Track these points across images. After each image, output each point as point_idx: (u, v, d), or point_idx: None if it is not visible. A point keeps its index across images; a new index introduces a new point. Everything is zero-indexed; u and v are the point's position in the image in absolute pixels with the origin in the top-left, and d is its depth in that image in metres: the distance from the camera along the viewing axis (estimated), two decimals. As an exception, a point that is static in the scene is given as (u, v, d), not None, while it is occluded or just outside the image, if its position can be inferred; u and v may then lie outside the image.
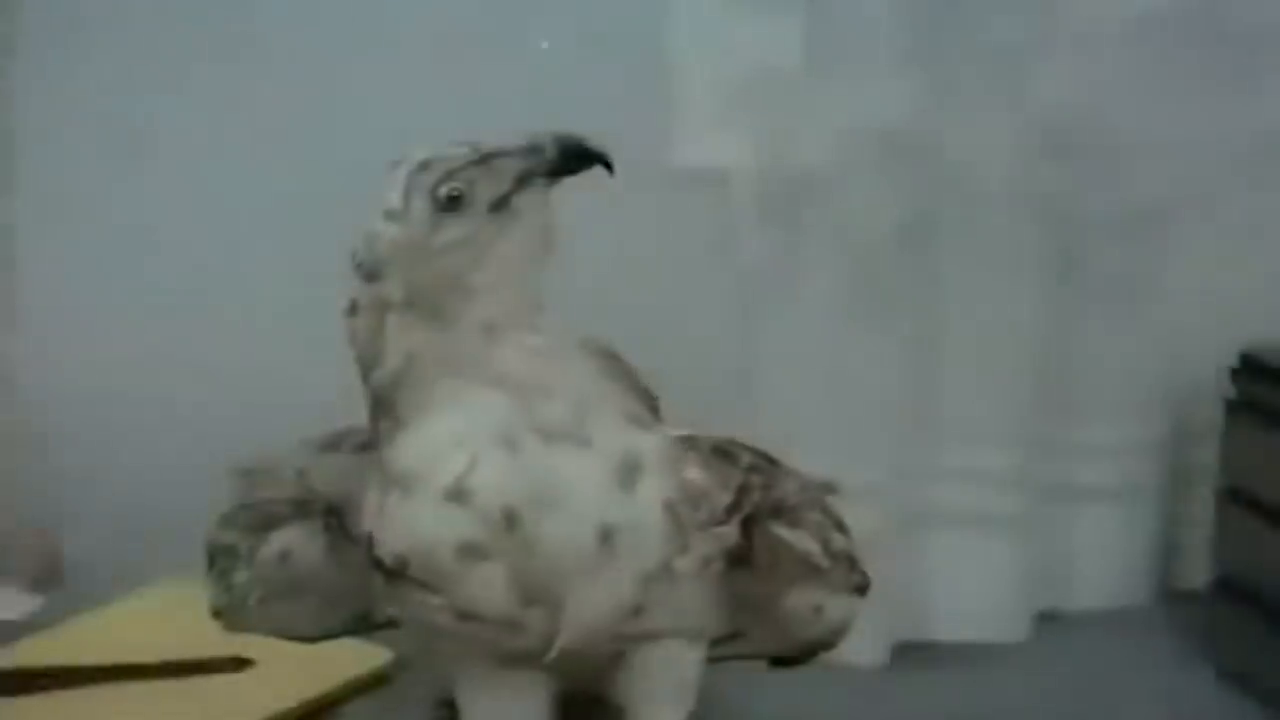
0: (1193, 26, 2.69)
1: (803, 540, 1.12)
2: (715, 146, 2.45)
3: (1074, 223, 2.69)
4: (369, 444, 1.07)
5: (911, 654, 2.29)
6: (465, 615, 1.05)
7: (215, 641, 1.25)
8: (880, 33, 2.51)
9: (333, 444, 1.13)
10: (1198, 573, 2.75)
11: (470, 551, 1.02)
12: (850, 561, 1.14)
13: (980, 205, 2.59)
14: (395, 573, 1.05)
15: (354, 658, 1.54)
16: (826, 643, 1.20)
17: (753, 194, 2.50)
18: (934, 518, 2.39)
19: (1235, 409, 2.71)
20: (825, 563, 1.13)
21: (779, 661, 1.25)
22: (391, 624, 1.18)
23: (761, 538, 1.12)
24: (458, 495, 1.01)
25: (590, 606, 1.05)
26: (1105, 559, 2.78)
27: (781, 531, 1.12)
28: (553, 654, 1.07)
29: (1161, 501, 2.83)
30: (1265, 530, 2.65)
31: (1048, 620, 2.56)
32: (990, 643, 2.43)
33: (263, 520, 1.13)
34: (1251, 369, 2.68)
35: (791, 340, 2.41)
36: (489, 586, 1.03)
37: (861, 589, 1.16)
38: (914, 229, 2.52)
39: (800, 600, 1.16)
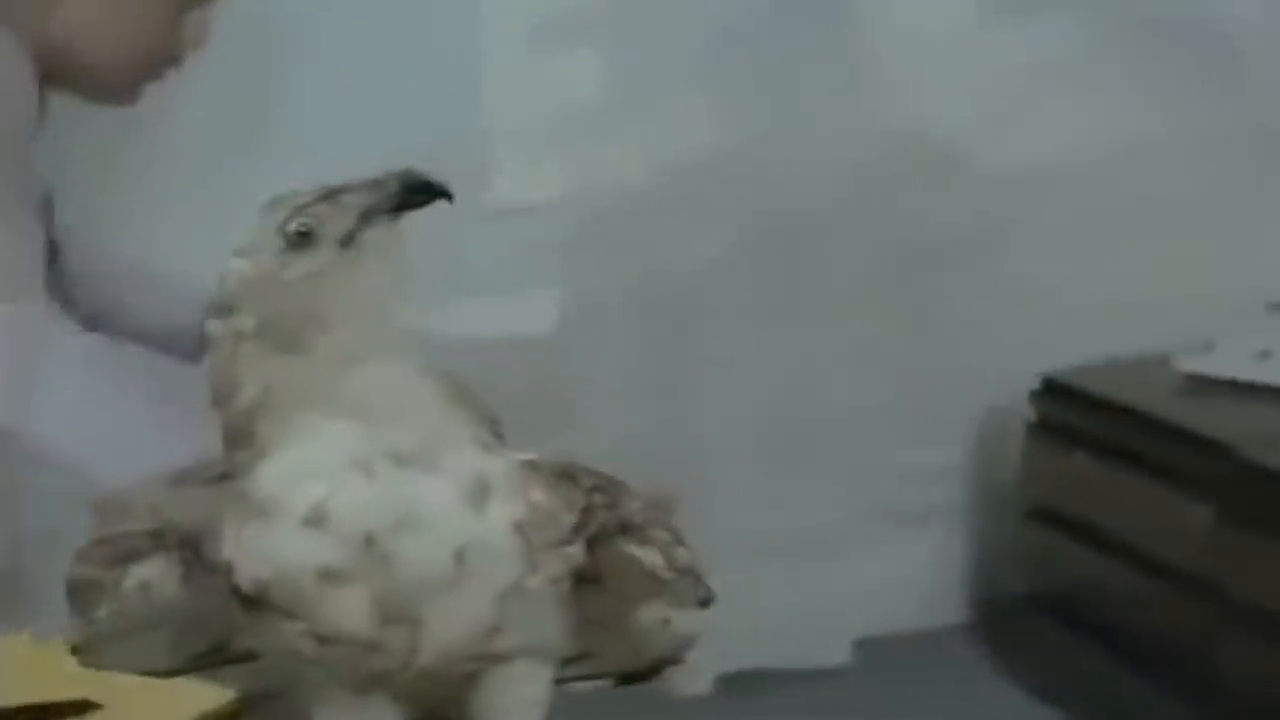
0: (1016, 53, 2.79)
1: (650, 555, 1.16)
2: (531, 182, 2.50)
3: (882, 252, 2.77)
4: (225, 475, 1.09)
5: (736, 683, 2.34)
6: (326, 639, 1.07)
7: (60, 686, 1.25)
8: (695, 62, 2.58)
9: (179, 479, 1.15)
10: (1008, 590, 2.84)
11: (330, 575, 1.05)
12: (694, 575, 1.18)
13: (801, 231, 2.67)
14: (255, 600, 1.07)
15: (201, 696, 1.55)
16: (673, 658, 1.24)
17: (568, 226, 2.55)
18: (752, 545, 2.45)
19: (1037, 431, 2.81)
20: (671, 576, 1.17)
21: (625, 680, 1.28)
22: (247, 657, 1.19)
23: (608, 555, 1.16)
24: (317, 521, 1.04)
25: (448, 625, 1.08)
26: (919, 580, 2.86)
27: (629, 548, 1.16)
28: (412, 672, 1.10)
29: (972, 522, 2.92)
30: (1069, 546, 2.75)
31: (867, 643, 2.63)
32: (812, 668, 2.48)
33: (121, 554, 1.14)
34: (1052, 392, 2.78)
35: (610, 367, 2.46)
36: (349, 609, 1.06)
37: (705, 602, 1.20)
38: (731, 256, 2.59)
39: (648, 615, 1.19)
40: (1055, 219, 2.81)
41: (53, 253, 1.93)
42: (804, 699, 2.39)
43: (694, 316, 2.54)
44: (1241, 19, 2.89)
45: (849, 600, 2.68)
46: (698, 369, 2.55)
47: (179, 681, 1.27)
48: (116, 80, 1.88)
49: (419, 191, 1.07)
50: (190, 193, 2.35)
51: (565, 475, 1.16)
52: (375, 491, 1.05)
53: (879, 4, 2.78)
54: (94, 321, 1.89)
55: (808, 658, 2.58)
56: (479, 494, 1.08)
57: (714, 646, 2.10)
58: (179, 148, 2.26)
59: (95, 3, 1.82)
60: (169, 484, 1.16)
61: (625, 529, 1.16)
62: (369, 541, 1.05)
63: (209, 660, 1.23)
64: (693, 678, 2.18)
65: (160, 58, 1.89)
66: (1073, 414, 2.76)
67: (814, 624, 2.59)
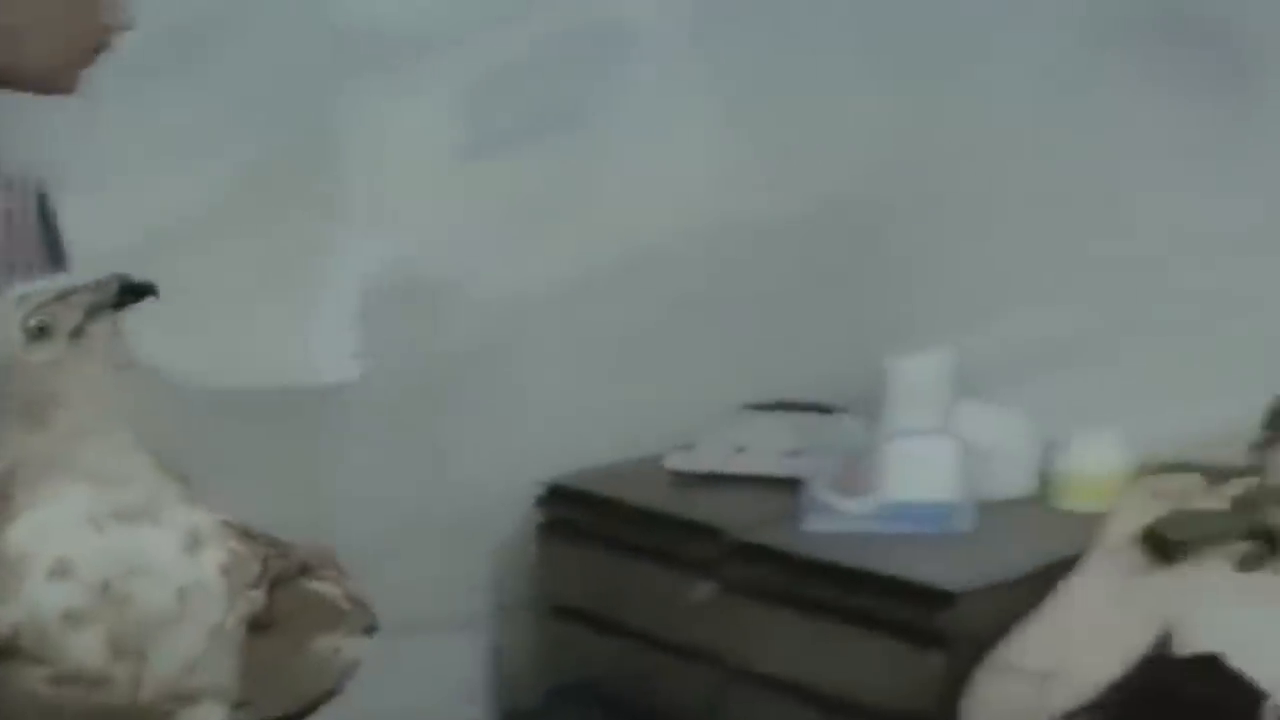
0: (497, 189, 3.06)
1: (329, 589, 1.37)
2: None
3: (391, 380, 2.99)
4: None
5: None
6: (65, 679, 1.25)
7: None
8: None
9: None
10: (538, 684, 3.07)
11: (72, 618, 1.23)
12: (365, 604, 1.40)
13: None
14: (4, 650, 1.24)
15: None
16: (331, 690, 1.45)
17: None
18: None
19: (547, 533, 3.07)
20: (348, 606, 1.38)
21: (283, 722, 1.48)
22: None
23: (287, 596, 1.36)
24: (61, 572, 1.22)
25: (169, 658, 1.27)
26: (452, 685, 3.06)
27: (311, 585, 1.36)
28: (133, 709, 1.28)
29: (498, 624, 3.14)
30: (589, 637, 3.01)
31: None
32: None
33: None
34: (557, 496, 3.05)
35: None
36: (88, 647, 1.24)
37: (371, 629, 1.41)
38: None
39: (322, 645, 1.40)
40: (548, 339, 3.08)
41: None
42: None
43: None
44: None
45: (382, 710, 2.84)
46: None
47: None
48: (56, 76, 1.92)
49: (134, 291, 1.28)
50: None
51: (246, 532, 1.36)
52: (109, 543, 1.24)
53: (372, 148, 3.02)
54: None
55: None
56: (193, 543, 1.28)
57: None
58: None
59: (28, 12, 1.86)
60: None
61: (304, 570, 1.37)
62: (105, 586, 1.23)
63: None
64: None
65: (92, 48, 1.95)
66: (578, 514, 3.03)
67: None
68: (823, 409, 3.16)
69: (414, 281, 2.99)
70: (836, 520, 2.83)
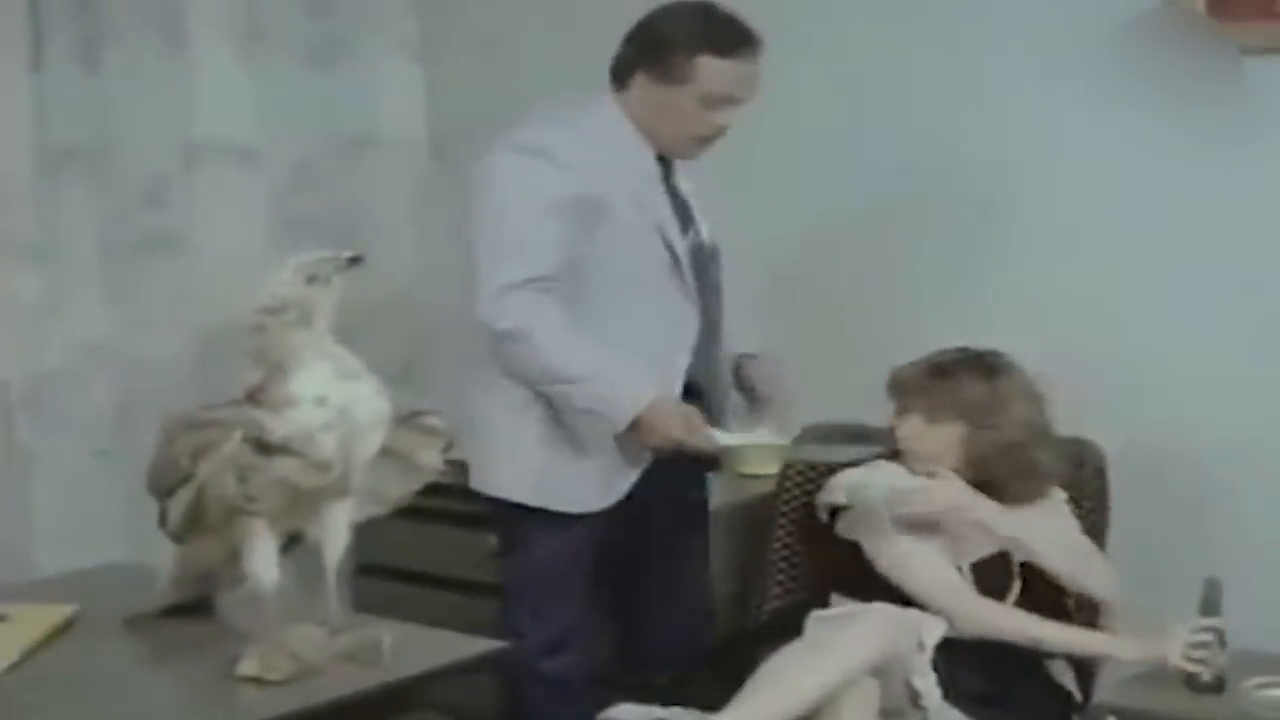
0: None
1: (431, 422, 2.41)
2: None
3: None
4: (250, 398, 2.25)
5: None
6: (309, 467, 2.24)
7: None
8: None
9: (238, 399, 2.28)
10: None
11: (325, 429, 2.23)
12: (447, 433, 2.45)
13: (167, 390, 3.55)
14: (278, 448, 2.23)
15: (39, 618, 2.50)
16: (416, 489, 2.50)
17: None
18: None
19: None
20: (440, 432, 2.43)
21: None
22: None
23: (405, 430, 2.39)
24: (320, 402, 2.23)
25: (360, 457, 2.28)
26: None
27: (422, 420, 2.40)
28: (333, 486, 2.29)
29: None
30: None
31: None
32: None
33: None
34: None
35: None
36: (328, 447, 2.23)
37: (450, 446, 2.45)
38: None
39: (423, 458, 2.42)
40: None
41: None
42: None
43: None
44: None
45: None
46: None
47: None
48: (689, 153, 3.06)
49: (354, 260, 2.27)
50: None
51: None
52: (345, 387, 2.25)
53: (202, 234, 3.77)
54: None
55: None
56: (380, 390, 2.30)
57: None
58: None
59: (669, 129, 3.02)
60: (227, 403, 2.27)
61: (415, 414, 2.40)
62: (343, 411, 2.25)
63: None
64: None
65: (711, 140, 3.01)
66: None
67: None
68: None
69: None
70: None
